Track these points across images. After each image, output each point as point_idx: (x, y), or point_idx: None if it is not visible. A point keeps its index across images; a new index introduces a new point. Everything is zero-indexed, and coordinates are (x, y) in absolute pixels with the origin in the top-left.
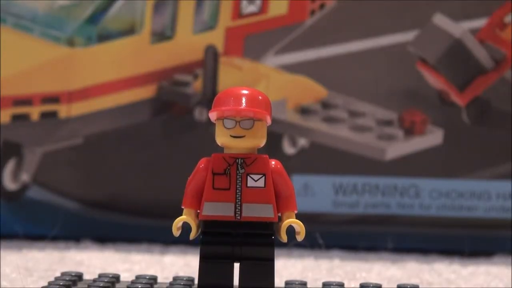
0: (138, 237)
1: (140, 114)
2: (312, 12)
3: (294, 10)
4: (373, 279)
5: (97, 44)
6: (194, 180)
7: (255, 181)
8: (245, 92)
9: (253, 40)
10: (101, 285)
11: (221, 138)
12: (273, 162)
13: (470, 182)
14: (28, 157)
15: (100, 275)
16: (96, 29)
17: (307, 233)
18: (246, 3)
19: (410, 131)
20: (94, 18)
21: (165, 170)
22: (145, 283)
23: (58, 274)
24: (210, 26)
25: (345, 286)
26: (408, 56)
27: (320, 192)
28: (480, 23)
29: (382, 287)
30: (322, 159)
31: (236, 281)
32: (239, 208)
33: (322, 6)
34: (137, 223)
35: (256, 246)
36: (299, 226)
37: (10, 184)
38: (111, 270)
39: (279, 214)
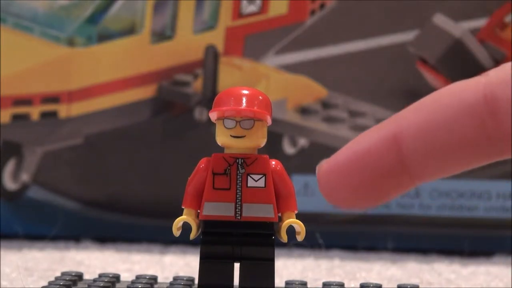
0: (138, 237)
1: (140, 114)
2: (312, 12)
3: (294, 10)
4: (373, 279)
5: (97, 44)
6: (194, 180)
7: (256, 181)
8: (245, 92)
9: (253, 40)
10: (101, 285)
11: (221, 138)
12: (273, 162)
13: (470, 182)
14: (28, 157)
15: (100, 275)
16: (96, 29)
17: (307, 233)
18: (246, 3)
19: None
20: (94, 18)
21: (165, 170)
22: (145, 283)
23: (58, 274)
24: (210, 26)
25: (345, 286)
26: (408, 56)
27: (320, 192)
28: (480, 23)
29: (382, 287)
30: (322, 159)
31: (236, 281)
32: (239, 208)
33: (322, 6)
34: (137, 223)
35: (256, 246)
36: (299, 226)
37: (10, 184)
38: (111, 270)
39: (279, 214)
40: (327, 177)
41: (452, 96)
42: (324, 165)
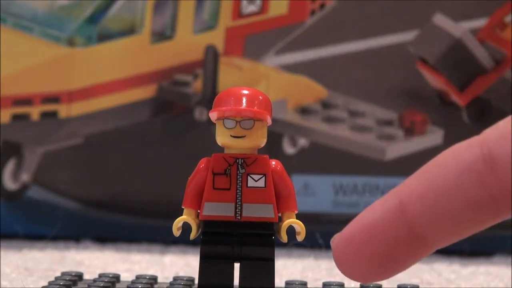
0: (138, 237)
1: (140, 114)
2: (312, 12)
3: (294, 10)
4: None
5: (97, 44)
6: (194, 180)
7: (256, 181)
8: (245, 92)
9: (253, 40)
10: (101, 285)
11: (222, 138)
12: (273, 162)
13: None
14: (28, 157)
15: (100, 275)
16: (96, 29)
17: (307, 233)
18: (246, 3)
19: (410, 131)
20: (94, 18)
21: (165, 170)
22: (145, 283)
23: (58, 274)
24: (210, 26)
25: (345, 286)
26: (408, 56)
27: (320, 192)
28: (480, 23)
29: (382, 287)
30: (322, 159)
31: (236, 281)
32: (239, 208)
33: (322, 6)
34: (137, 223)
35: (256, 246)
36: (299, 226)
37: (10, 184)
38: (111, 270)
39: (279, 214)
40: (339, 251)
41: (452, 158)
42: (336, 239)
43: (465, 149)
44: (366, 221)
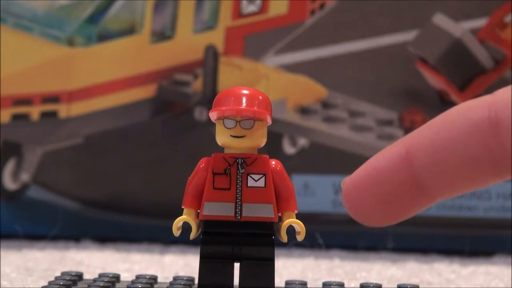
0: (138, 237)
1: (140, 114)
2: (312, 12)
3: (294, 10)
4: (373, 279)
5: (97, 44)
6: (194, 180)
7: (256, 181)
8: (245, 92)
9: (253, 40)
10: (101, 285)
11: (222, 138)
12: (273, 162)
13: None
14: (28, 157)
15: (100, 275)
16: (96, 29)
17: (307, 233)
18: (246, 3)
19: (410, 131)
20: (94, 18)
21: (165, 170)
22: (145, 283)
23: (58, 273)
24: (210, 26)
25: (345, 286)
26: (408, 56)
27: (320, 192)
28: (480, 23)
29: (382, 287)
30: (322, 159)
31: (236, 281)
32: (239, 208)
33: (322, 6)
34: (137, 223)
35: (256, 246)
36: (299, 226)
37: (10, 184)
38: (111, 270)
39: (279, 214)
40: (347, 192)
41: (460, 114)
42: (346, 181)
43: (475, 108)
44: (373, 166)
